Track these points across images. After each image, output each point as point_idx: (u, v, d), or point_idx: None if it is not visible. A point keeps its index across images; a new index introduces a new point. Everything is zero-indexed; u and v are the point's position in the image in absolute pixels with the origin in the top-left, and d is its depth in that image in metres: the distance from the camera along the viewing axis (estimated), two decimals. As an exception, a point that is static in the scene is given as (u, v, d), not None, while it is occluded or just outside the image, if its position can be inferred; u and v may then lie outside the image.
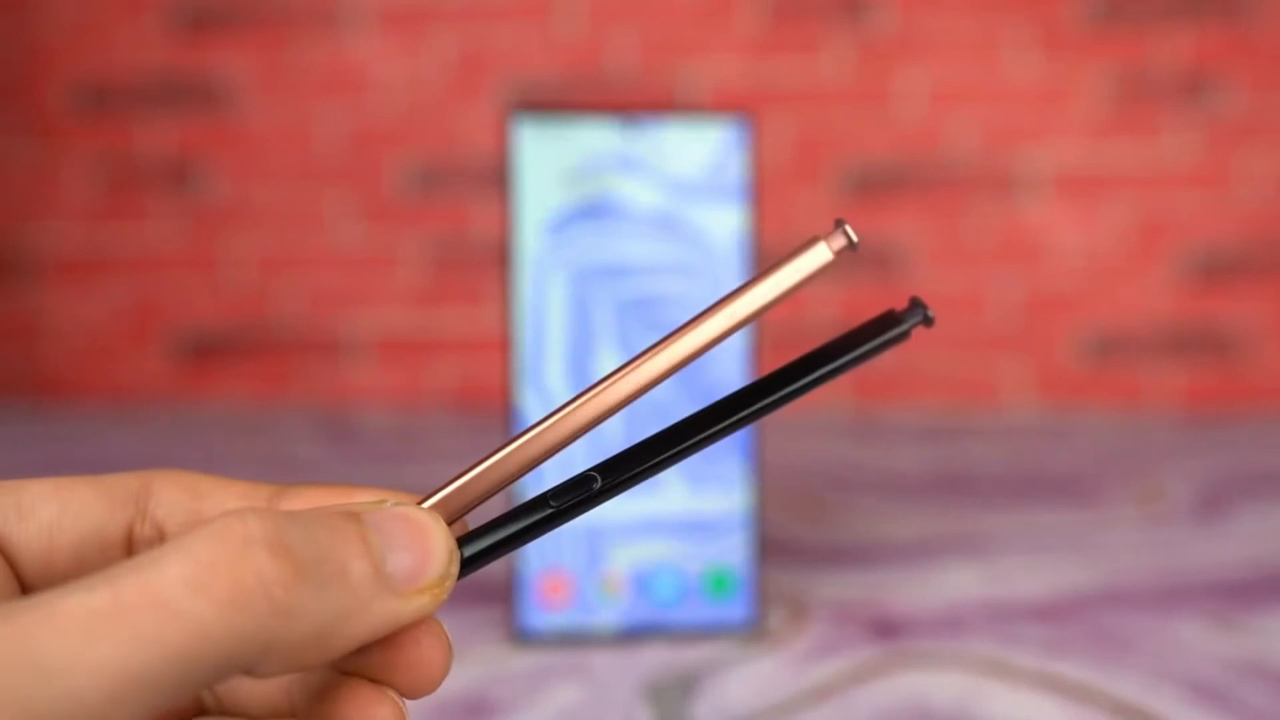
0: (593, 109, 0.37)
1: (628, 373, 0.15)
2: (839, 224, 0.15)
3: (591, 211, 0.37)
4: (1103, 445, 0.88)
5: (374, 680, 0.15)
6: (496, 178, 1.33)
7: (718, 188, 0.37)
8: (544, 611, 0.37)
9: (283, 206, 1.34)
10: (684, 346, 0.15)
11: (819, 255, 0.15)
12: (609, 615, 0.37)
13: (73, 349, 1.36)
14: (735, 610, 0.38)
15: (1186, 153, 1.27)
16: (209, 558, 0.11)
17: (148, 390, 1.36)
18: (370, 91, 1.33)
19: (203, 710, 0.16)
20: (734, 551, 0.38)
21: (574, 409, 0.15)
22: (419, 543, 0.14)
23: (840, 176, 1.29)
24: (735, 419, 0.16)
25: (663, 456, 0.16)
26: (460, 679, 0.34)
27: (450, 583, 0.14)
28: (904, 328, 0.16)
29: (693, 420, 0.16)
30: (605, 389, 0.15)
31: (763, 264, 1.30)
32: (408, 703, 0.31)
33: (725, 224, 0.37)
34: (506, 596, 0.43)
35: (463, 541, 0.16)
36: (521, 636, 0.37)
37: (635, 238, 0.37)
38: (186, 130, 1.34)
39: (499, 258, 1.34)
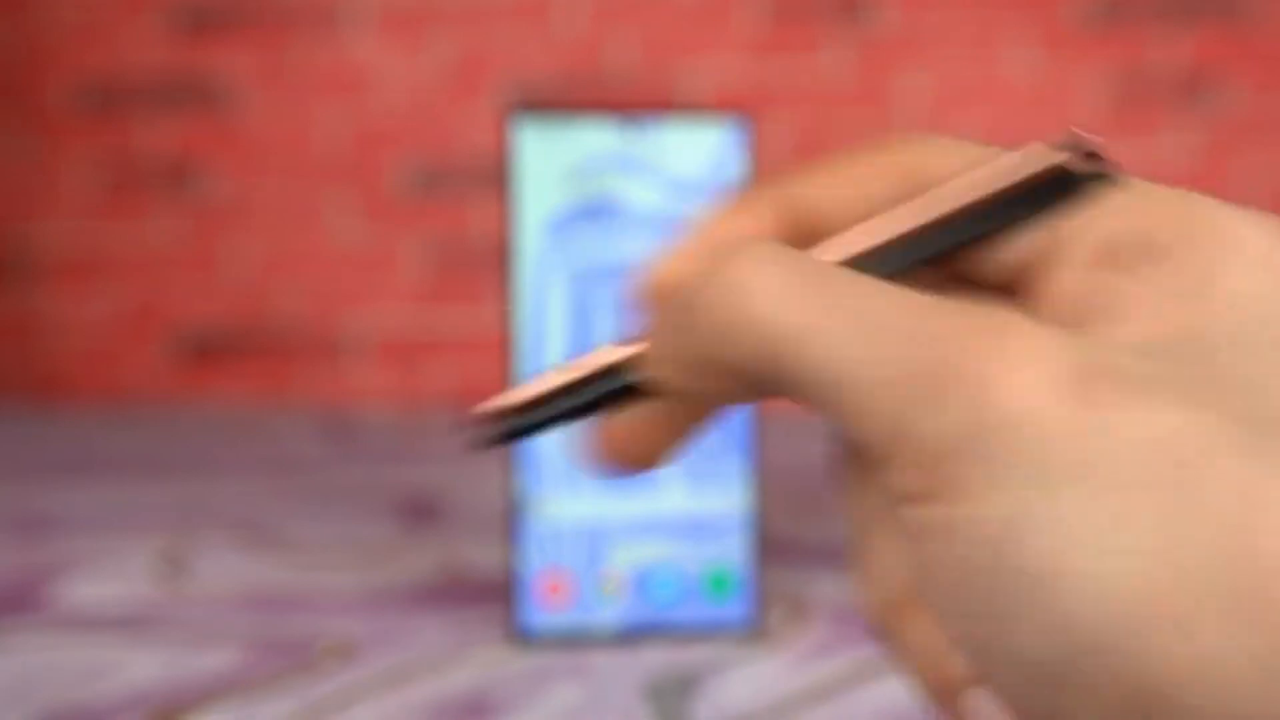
0: (593, 109, 0.37)
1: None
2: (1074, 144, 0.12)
3: (591, 211, 0.37)
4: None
5: None
6: (496, 178, 1.33)
7: (717, 188, 0.37)
8: (544, 611, 0.37)
9: (283, 206, 1.34)
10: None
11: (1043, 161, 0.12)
12: (609, 615, 0.37)
13: (73, 349, 1.36)
14: (735, 610, 0.38)
15: (1186, 153, 1.27)
16: None
17: (148, 390, 1.36)
18: (370, 91, 1.33)
19: None
20: (734, 551, 0.38)
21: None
22: None
23: (840, 176, 1.29)
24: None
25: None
26: (460, 679, 0.34)
27: None
28: (1076, 183, 0.12)
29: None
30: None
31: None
32: (405, 705, 0.31)
33: (725, 224, 0.37)
34: (506, 596, 0.43)
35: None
36: (521, 636, 0.37)
37: (635, 238, 0.37)
38: (187, 130, 1.34)
39: (499, 258, 1.34)
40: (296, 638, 0.38)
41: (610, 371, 0.14)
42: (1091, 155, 0.12)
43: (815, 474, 0.74)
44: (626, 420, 0.14)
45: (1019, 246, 0.12)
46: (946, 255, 0.13)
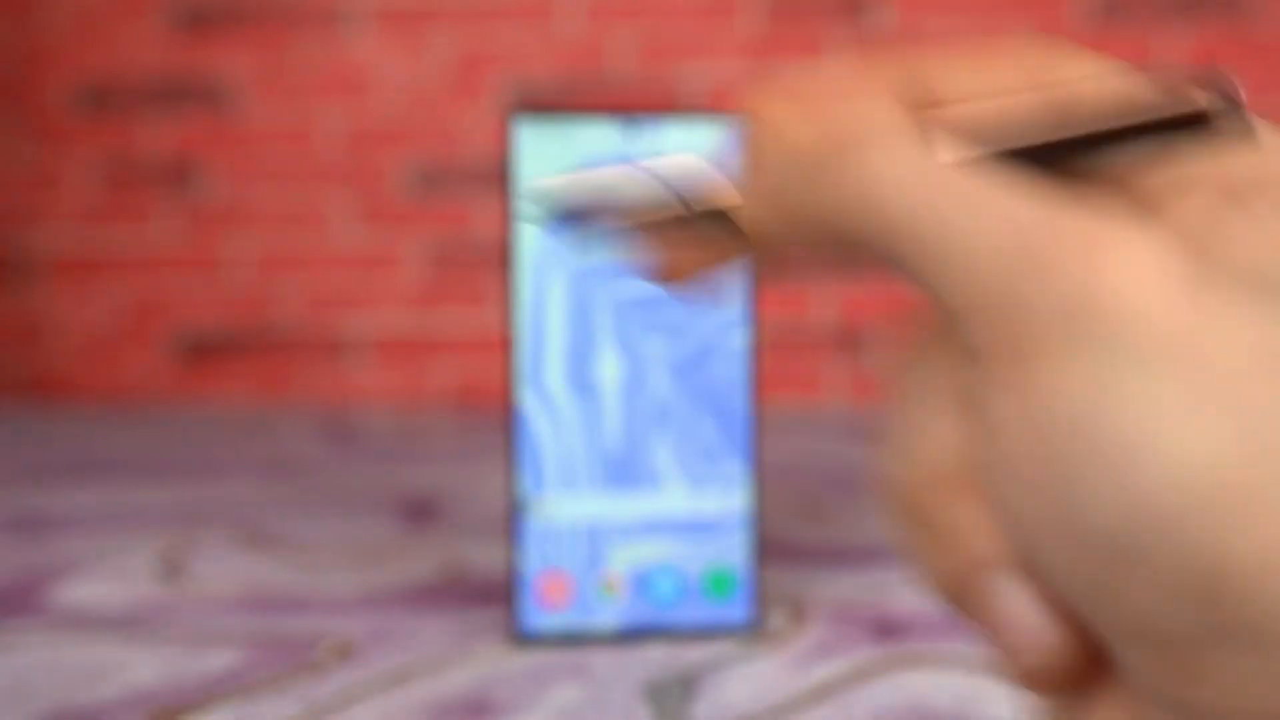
0: (593, 109, 0.37)
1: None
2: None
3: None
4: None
5: None
6: (496, 178, 1.33)
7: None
8: (544, 612, 0.37)
9: (283, 206, 1.34)
10: None
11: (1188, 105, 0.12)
12: (609, 615, 0.37)
13: (73, 349, 1.36)
14: (735, 610, 0.38)
15: (1186, 153, 1.27)
16: None
17: (148, 390, 1.36)
18: (370, 91, 1.33)
19: None
20: (734, 551, 0.38)
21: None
22: None
23: (840, 176, 1.30)
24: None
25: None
26: (460, 679, 0.34)
27: None
28: (1211, 123, 0.12)
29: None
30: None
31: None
32: (405, 705, 0.31)
33: (725, 224, 0.37)
34: (506, 597, 0.43)
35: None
36: (521, 637, 0.37)
37: (635, 238, 0.37)
38: (186, 130, 1.34)
39: (499, 258, 1.34)
40: (296, 638, 0.38)
41: (703, 201, 0.14)
42: (1230, 96, 0.12)
43: (815, 474, 0.74)
44: (695, 244, 0.14)
45: (1144, 174, 0.13)
46: (1068, 165, 0.13)
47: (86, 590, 0.44)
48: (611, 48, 1.31)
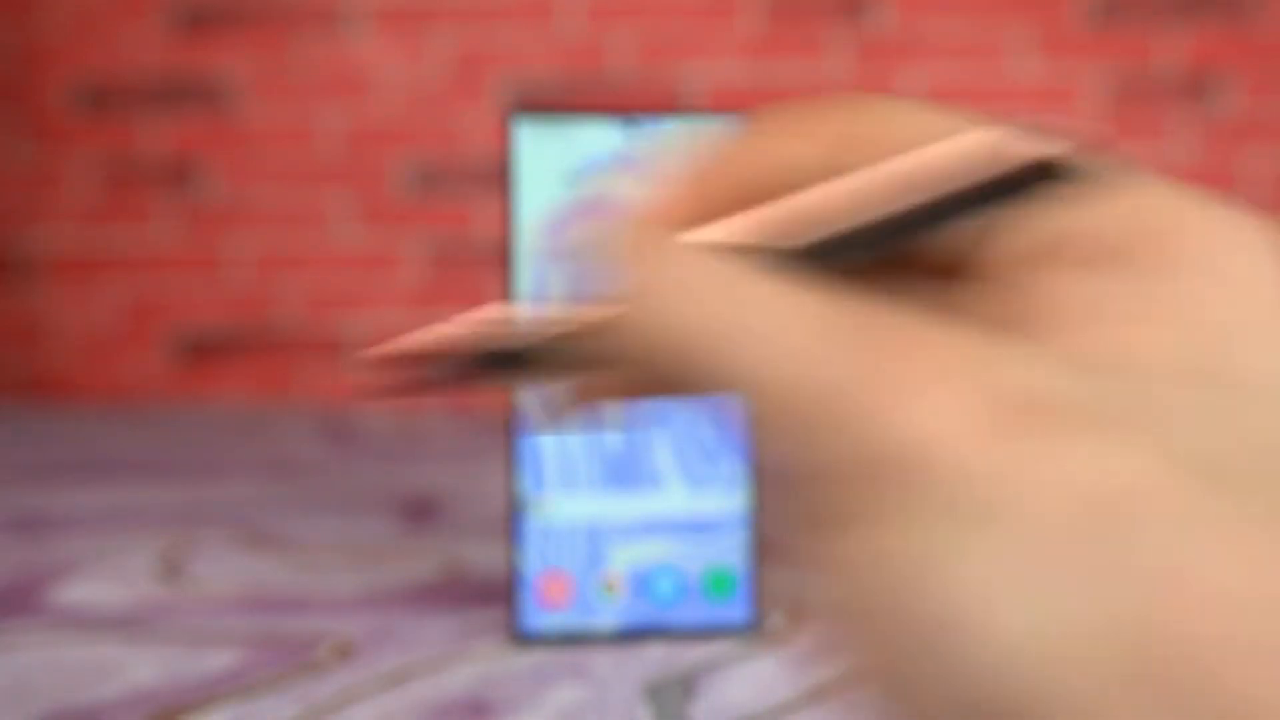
0: (593, 109, 0.37)
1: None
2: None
3: (592, 211, 0.37)
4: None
5: None
6: (496, 178, 1.33)
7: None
8: (544, 611, 0.37)
9: (283, 206, 1.34)
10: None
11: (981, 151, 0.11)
12: (609, 615, 0.37)
13: (73, 349, 1.36)
14: (735, 610, 0.38)
15: (1187, 153, 1.27)
16: None
17: (148, 390, 1.36)
18: (370, 91, 1.33)
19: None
20: (734, 552, 0.38)
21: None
22: None
23: (840, 176, 1.29)
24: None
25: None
26: (460, 679, 0.34)
27: None
28: (1050, 174, 0.11)
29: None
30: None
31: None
32: (405, 705, 0.31)
33: (725, 224, 0.37)
34: (506, 597, 0.43)
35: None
36: (521, 637, 0.37)
37: (635, 238, 0.37)
38: (186, 130, 1.34)
39: (499, 258, 1.34)
40: (296, 638, 0.38)
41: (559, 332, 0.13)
42: (1073, 146, 0.11)
43: (815, 474, 0.74)
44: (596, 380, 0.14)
45: (971, 232, 0.11)
46: (899, 241, 0.12)
47: (86, 590, 0.44)
48: (611, 47, 1.31)
